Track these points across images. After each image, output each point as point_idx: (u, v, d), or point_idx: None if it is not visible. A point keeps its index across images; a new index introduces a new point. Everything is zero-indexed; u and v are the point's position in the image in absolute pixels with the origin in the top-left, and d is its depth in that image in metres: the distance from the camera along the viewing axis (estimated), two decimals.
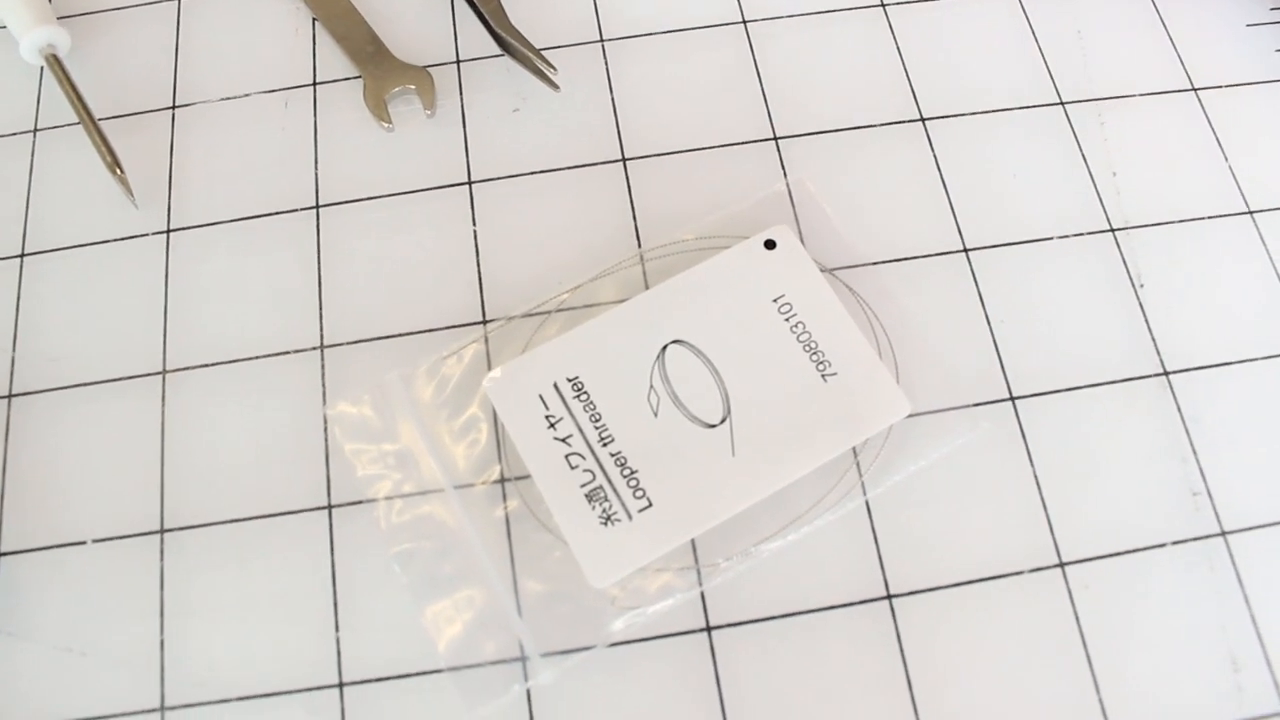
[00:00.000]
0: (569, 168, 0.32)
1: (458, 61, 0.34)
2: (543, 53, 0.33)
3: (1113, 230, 0.32)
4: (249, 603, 0.27)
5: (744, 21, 0.35)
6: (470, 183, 0.32)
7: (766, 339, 0.29)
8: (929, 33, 0.35)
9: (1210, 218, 0.32)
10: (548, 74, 0.33)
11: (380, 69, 0.34)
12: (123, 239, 0.32)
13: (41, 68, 0.35)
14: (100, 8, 0.36)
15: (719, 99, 0.34)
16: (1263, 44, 0.35)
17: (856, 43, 0.35)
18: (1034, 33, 0.35)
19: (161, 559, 0.28)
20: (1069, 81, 0.34)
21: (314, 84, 0.34)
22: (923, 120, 0.33)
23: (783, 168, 0.32)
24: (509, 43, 0.33)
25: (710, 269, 0.30)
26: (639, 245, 0.31)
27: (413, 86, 0.33)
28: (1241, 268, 0.31)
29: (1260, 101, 0.34)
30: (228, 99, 0.34)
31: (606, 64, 0.34)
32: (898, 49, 0.35)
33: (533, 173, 0.32)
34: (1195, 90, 0.34)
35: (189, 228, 0.32)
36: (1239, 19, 0.36)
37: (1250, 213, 0.32)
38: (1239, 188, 0.32)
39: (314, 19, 0.35)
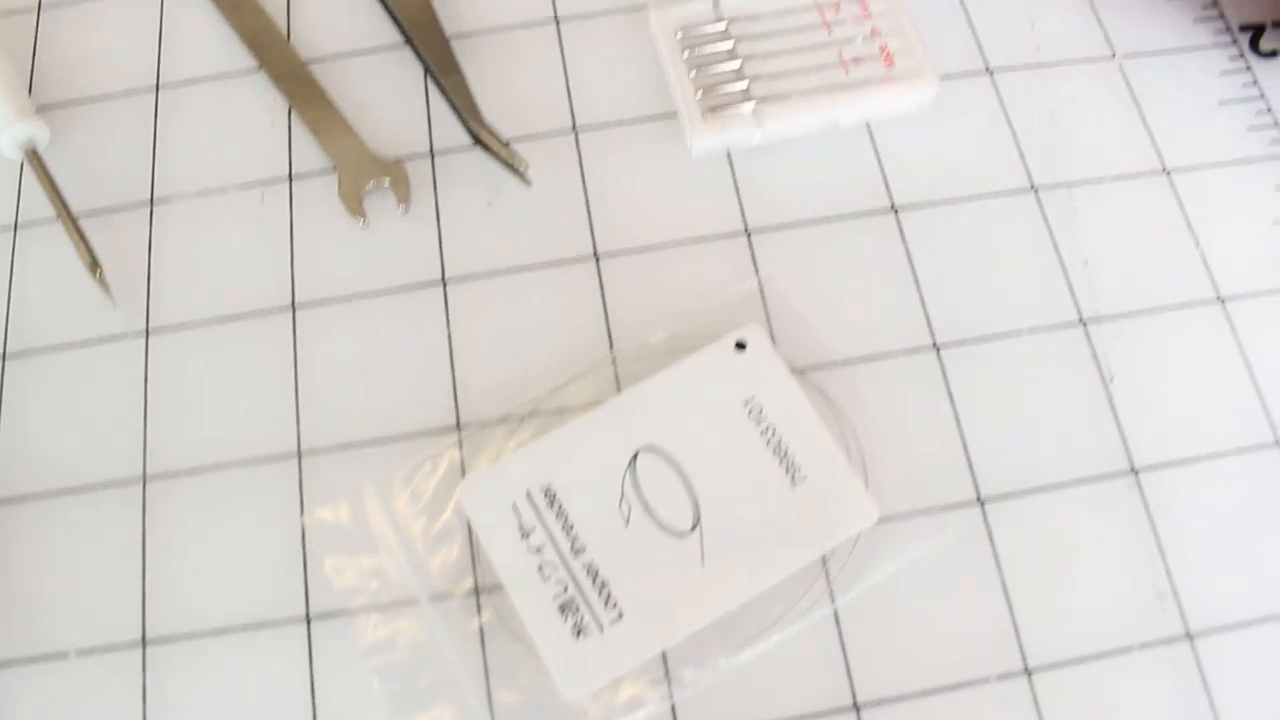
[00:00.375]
0: (542, 265, 0.33)
1: (431, 154, 0.35)
2: (513, 146, 0.34)
3: (1083, 322, 0.32)
4: (230, 715, 0.28)
5: None
6: (444, 281, 0.33)
7: (737, 444, 0.30)
8: (903, 123, 0.35)
9: (1181, 306, 0.32)
10: (519, 169, 0.33)
11: (355, 163, 0.34)
12: (102, 341, 0.32)
13: (21, 162, 0.35)
14: (78, 96, 0.37)
15: (690, 193, 0.34)
16: (1235, 122, 0.35)
17: (828, 137, 0.35)
18: (1006, 113, 0.35)
19: (144, 672, 0.28)
20: (1042, 164, 0.34)
21: (290, 177, 0.35)
22: (894, 210, 0.33)
23: (754, 263, 0.33)
24: (481, 136, 0.34)
25: (681, 372, 0.31)
26: (611, 345, 0.32)
27: (387, 182, 0.34)
28: (1211, 359, 0.32)
29: (1232, 181, 0.34)
30: (206, 193, 0.35)
31: (580, 154, 0.35)
32: (872, 141, 0.35)
33: (507, 270, 0.33)
34: (1167, 172, 0.34)
35: (167, 328, 0.32)
36: (1212, 96, 0.36)
37: (1221, 300, 0.32)
38: (1209, 273, 0.33)
39: (289, 108, 0.36)
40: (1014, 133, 0.35)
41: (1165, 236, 0.33)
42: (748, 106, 0.34)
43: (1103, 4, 0.38)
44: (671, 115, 0.35)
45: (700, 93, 0.34)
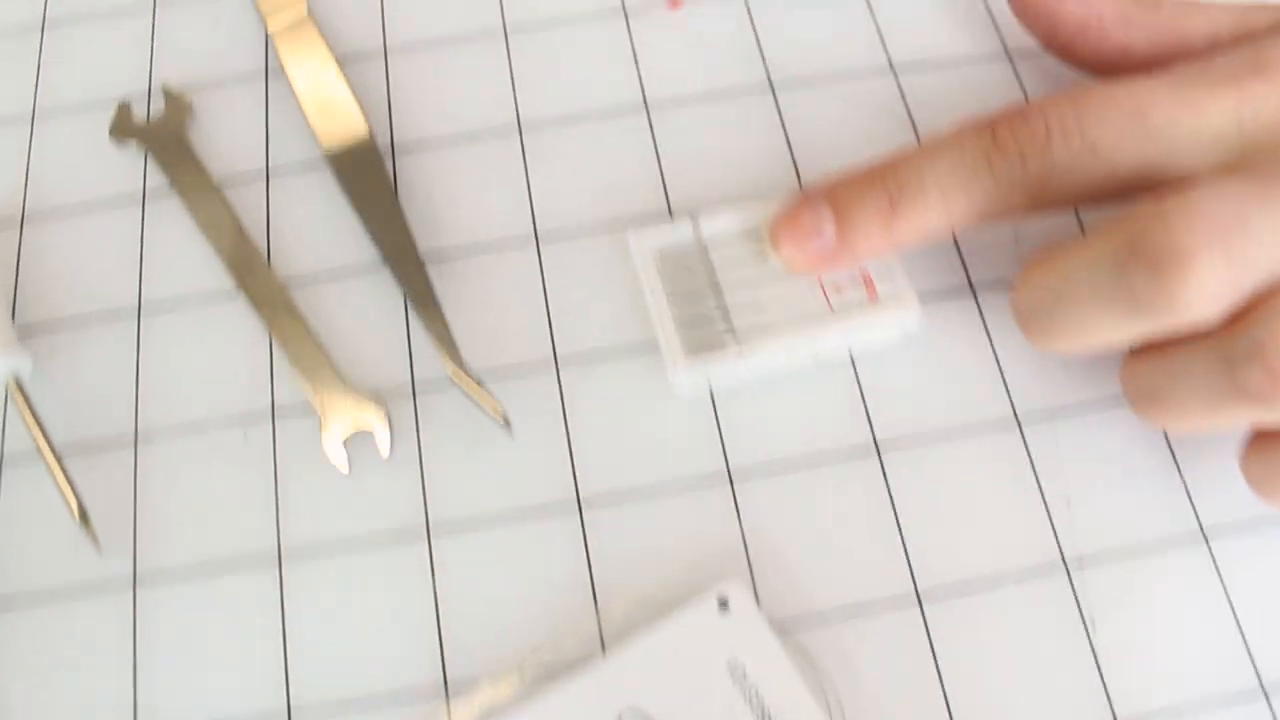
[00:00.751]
0: (525, 513, 0.33)
1: (413, 388, 0.35)
2: (493, 384, 0.34)
3: (1067, 570, 0.32)
4: None
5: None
6: (428, 531, 0.33)
7: (720, 708, 0.30)
8: (886, 351, 0.35)
9: (1163, 545, 0.32)
10: (497, 414, 0.33)
11: (336, 405, 0.34)
12: (86, 592, 0.33)
13: (5, 394, 0.35)
14: (61, 315, 0.37)
15: (672, 431, 0.34)
16: None
17: (812, 369, 0.35)
18: (995, 354, 0.35)
19: None
20: (1025, 395, 0.35)
21: (273, 413, 0.35)
22: (877, 448, 0.34)
23: (736, 506, 0.33)
24: (458, 380, 0.34)
25: (663, 632, 0.31)
26: (595, 598, 0.32)
27: (369, 429, 0.34)
28: (1195, 603, 0.32)
29: None
30: (189, 428, 0.35)
31: (560, 389, 0.35)
32: (854, 372, 0.35)
33: (490, 519, 0.33)
34: None
35: (154, 577, 0.33)
36: None
37: (1206, 540, 0.32)
38: (1193, 507, 0.33)
39: (270, 337, 0.36)
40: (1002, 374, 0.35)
41: (1148, 470, 0.33)
42: (731, 341, 0.34)
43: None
44: (653, 344, 0.35)
45: (681, 326, 0.34)
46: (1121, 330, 0.29)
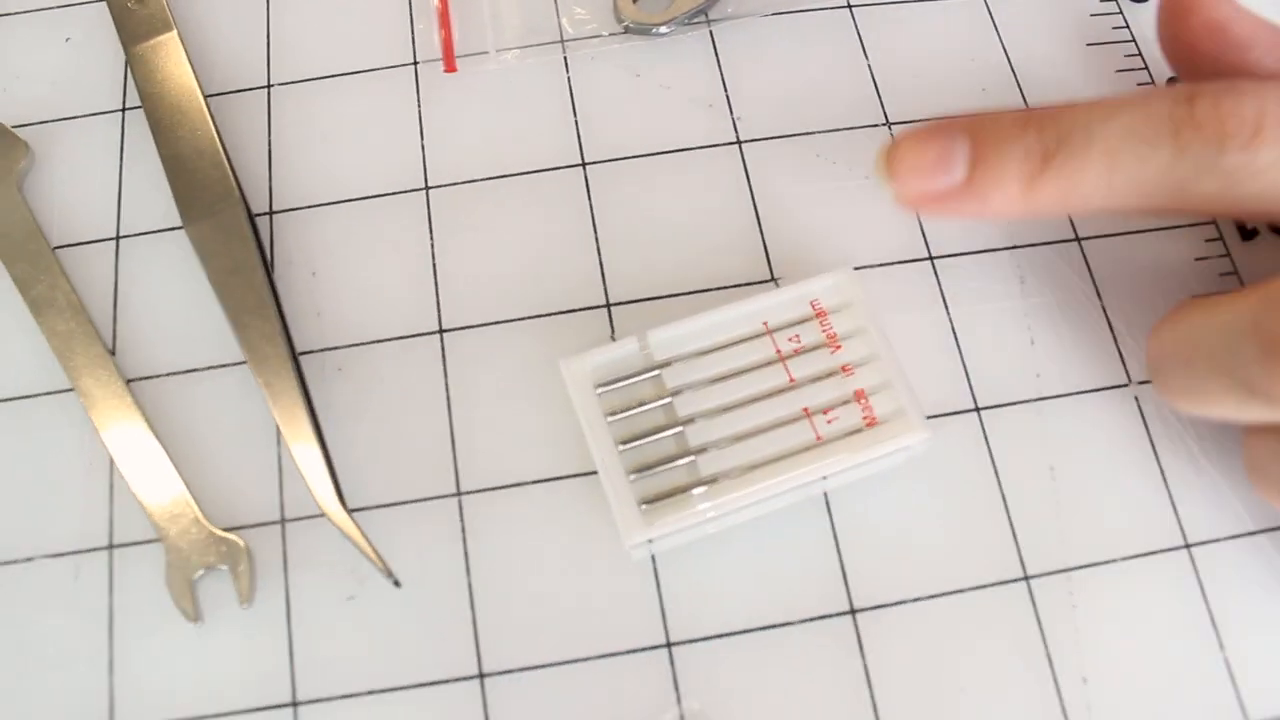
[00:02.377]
0: (417, 685, 0.27)
1: (282, 521, 0.29)
2: (382, 523, 0.28)
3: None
4: None
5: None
6: (294, 701, 0.27)
7: None
8: (862, 513, 0.29)
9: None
10: (380, 566, 0.27)
11: (185, 540, 0.28)
12: None
13: None
14: None
15: (606, 591, 0.28)
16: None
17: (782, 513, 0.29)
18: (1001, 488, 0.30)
19: None
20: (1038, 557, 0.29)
21: (110, 546, 0.28)
22: (853, 613, 0.28)
23: (675, 686, 0.27)
24: (335, 520, 0.28)
25: None
26: None
27: (225, 567, 0.28)
28: None
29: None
30: (10, 562, 0.28)
31: (463, 531, 0.29)
32: (835, 538, 0.29)
33: (370, 692, 0.27)
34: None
35: None
36: None
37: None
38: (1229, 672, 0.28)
39: (110, 461, 0.29)
40: (1013, 527, 0.30)
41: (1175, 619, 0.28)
42: (698, 492, 0.27)
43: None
44: (590, 474, 0.29)
45: (633, 473, 0.28)
46: (1244, 411, 0.25)
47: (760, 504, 0.28)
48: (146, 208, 0.33)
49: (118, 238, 0.32)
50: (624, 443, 0.28)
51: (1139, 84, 0.34)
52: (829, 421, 0.28)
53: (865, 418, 0.28)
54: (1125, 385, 0.30)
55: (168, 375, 0.30)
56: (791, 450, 0.28)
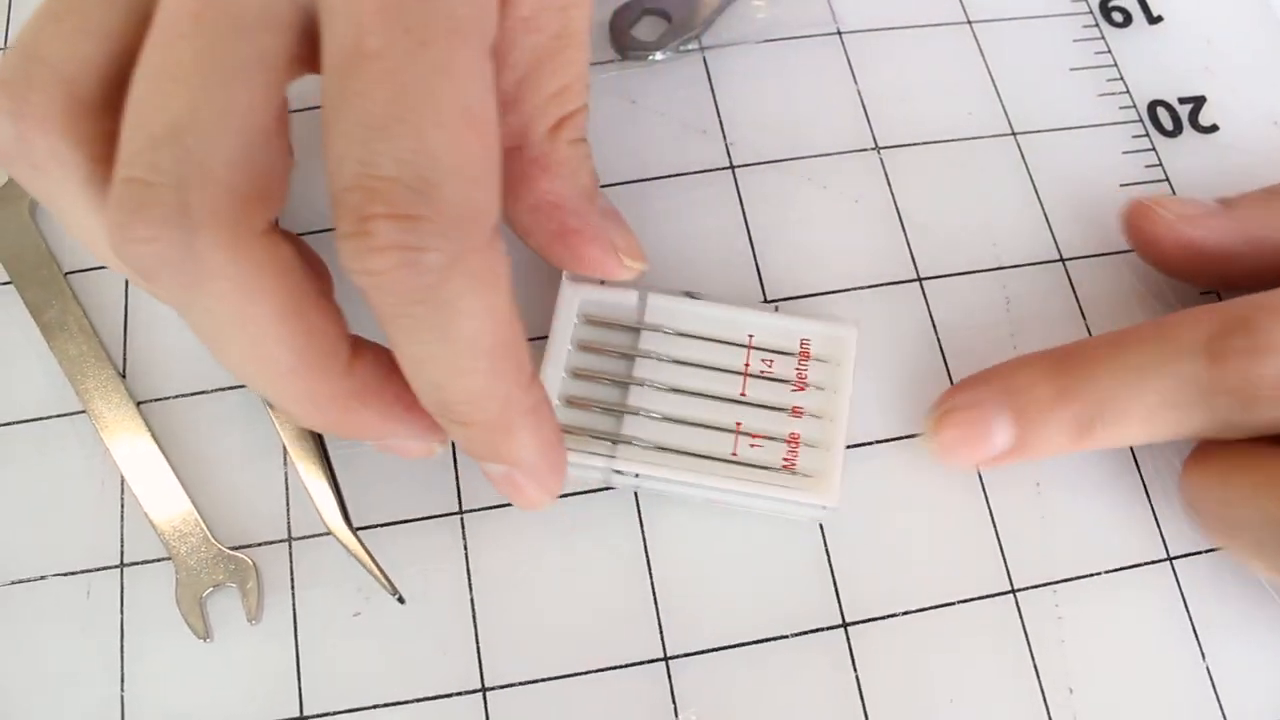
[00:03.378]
0: (420, 699, 0.28)
1: (289, 539, 0.30)
2: (388, 543, 0.29)
3: None
4: None
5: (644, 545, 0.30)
6: (302, 719, 0.28)
7: None
8: (853, 528, 0.30)
9: None
10: (386, 587, 0.28)
11: (195, 558, 0.29)
12: None
13: None
14: None
15: (589, 584, 0.29)
16: None
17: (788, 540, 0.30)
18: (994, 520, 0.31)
19: None
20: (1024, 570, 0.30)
21: (121, 565, 0.29)
22: (844, 626, 0.29)
23: (673, 699, 0.28)
24: (340, 538, 0.29)
25: None
26: None
27: (233, 584, 0.29)
28: None
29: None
30: (23, 581, 0.29)
31: (466, 552, 0.30)
32: (827, 551, 0.30)
33: (376, 706, 0.28)
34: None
35: None
36: None
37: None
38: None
39: (121, 481, 0.30)
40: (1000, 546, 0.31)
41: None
42: (606, 445, 0.29)
43: None
44: (588, 492, 0.30)
45: (566, 405, 0.29)
46: None
47: (652, 483, 0.29)
48: None
49: None
50: (575, 372, 0.30)
51: (1121, 107, 0.36)
52: (752, 445, 0.29)
53: (786, 460, 0.29)
54: None
55: (177, 397, 0.31)
56: (705, 453, 0.29)
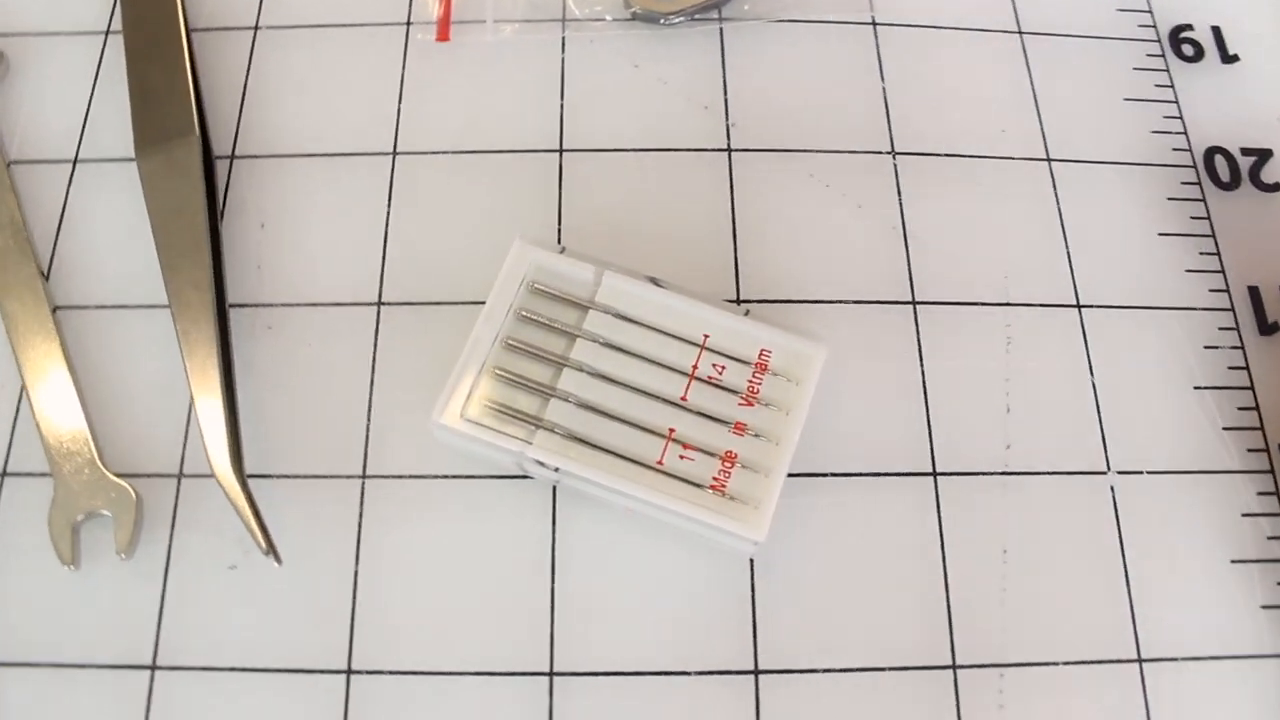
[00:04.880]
0: (279, 670, 0.26)
1: (180, 475, 0.28)
2: (276, 495, 0.27)
3: None
4: None
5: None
6: (154, 666, 0.26)
7: None
8: (786, 566, 0.27)
9: None
10: (262, 547, 0.26)
11: (77, 480, 0.27)
12: None
13: None
14: None
15: (481, 582, 0.27)
16: None
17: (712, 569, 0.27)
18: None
19: None
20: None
21: (3, 474, 0.28)
22: (755, 673, 0.26)
23: (550, 698, 0.25)
24: (228, 491, 0.26)
25: None
26: None
27: (111, 513, 0.27)
28: None
29: None
30: None
31: (361, 518, 0.27)
32: (752, 588, 0.27)
33: (233, 669, 0.26)
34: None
35: None
36: None
37: None
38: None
39: (21, 387, 0.29)
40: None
41: None
42: (524, 429, 0.26)
43: None
44: (503, 478, 0.28)
45: (489, 375, 0.27)
46: None
47: (573, 480, 0.26)
48: (110, 136, 0.32)
49: (75, 161, 0.32)
50: (507, 342, 0.27)
51: (1174, 148, 0.32)
52: (680, 457, 0.26)
53: (715, 480, 0.26)
54: (1103, 473, 0.28)
55: (97, 308, 0.30)
56: (628, 455, 0.26)
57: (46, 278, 0.30)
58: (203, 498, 0.27)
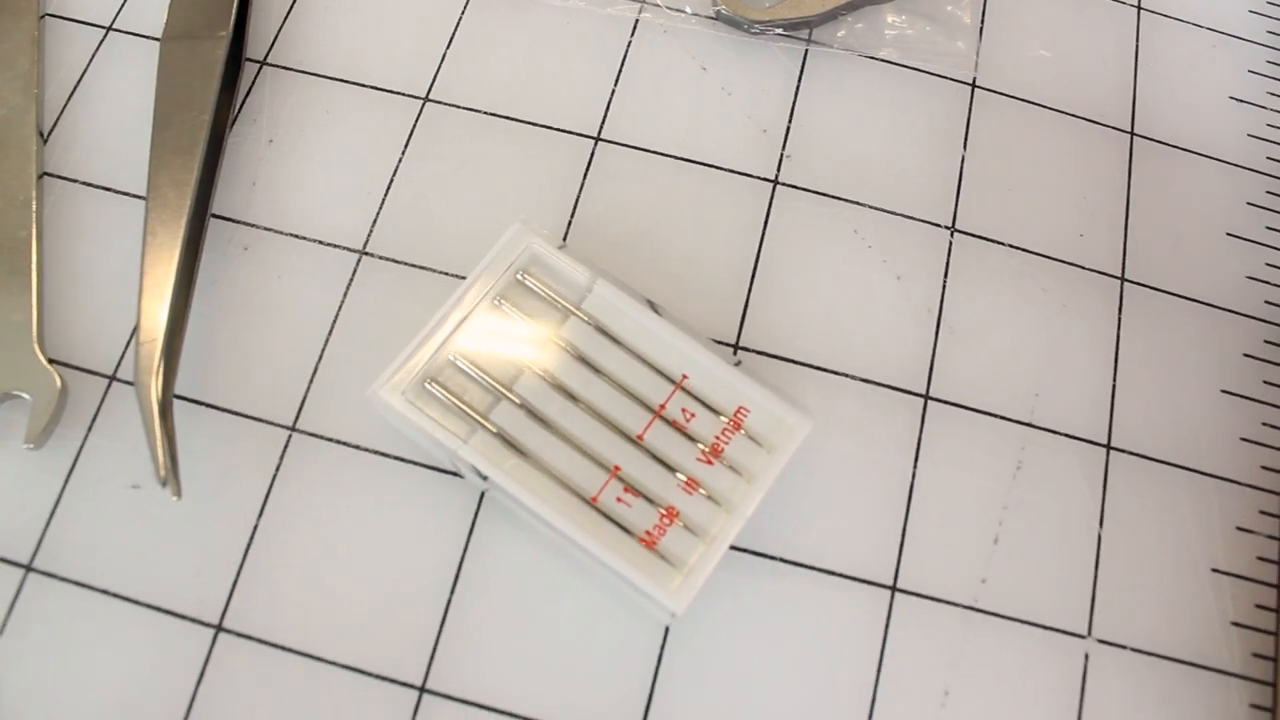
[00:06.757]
0: (151, 607, 0.24)
1: (113, 378, 0.26)
2: (174, 443, 0.25)
3: None
4: None
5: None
6: (29, 568, 0.25)
7: None
8: (699, 643, 0.25)
9: None
10: (161, 476, 0.24)
11: (7, 355, 0.26)
12: None
13: None
14: None
15: (382, 573, 0.25)
16: None
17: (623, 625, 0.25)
18: None
19: None
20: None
21: None
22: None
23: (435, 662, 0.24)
24: (146, 396, 0.25)
25: None
26: None
27: (27, 395, 0.26)
28: None
29: None
30: None
31: (276, 473, 0.26)
32: (659, 660, 0.25)
33: (106, 592, 0.24)
34: None
35: None
36: None
37: None
38: None
39: None
40: None
41: None
42: (464, 428, 0.24)
43: None
44: (450, 473, 0.26)
45: (451, 359, 0.25)
46: None
47: (500, 493, 0.24)
48: (154, 12, 0.31)
49: (109, 28, 0.31)
50: (478, 328, 0.25)
51: (1266, 301, 0.29)
52: (618, 499, 0.24)
53: (648, 535, 0.24)
54: (1081, 637, 0.25)
55: (84, 184, 0.29)
56: (564, 481, 0.24)
57: (45, 140, 0.29)
58: (130, 407, 0.26)
